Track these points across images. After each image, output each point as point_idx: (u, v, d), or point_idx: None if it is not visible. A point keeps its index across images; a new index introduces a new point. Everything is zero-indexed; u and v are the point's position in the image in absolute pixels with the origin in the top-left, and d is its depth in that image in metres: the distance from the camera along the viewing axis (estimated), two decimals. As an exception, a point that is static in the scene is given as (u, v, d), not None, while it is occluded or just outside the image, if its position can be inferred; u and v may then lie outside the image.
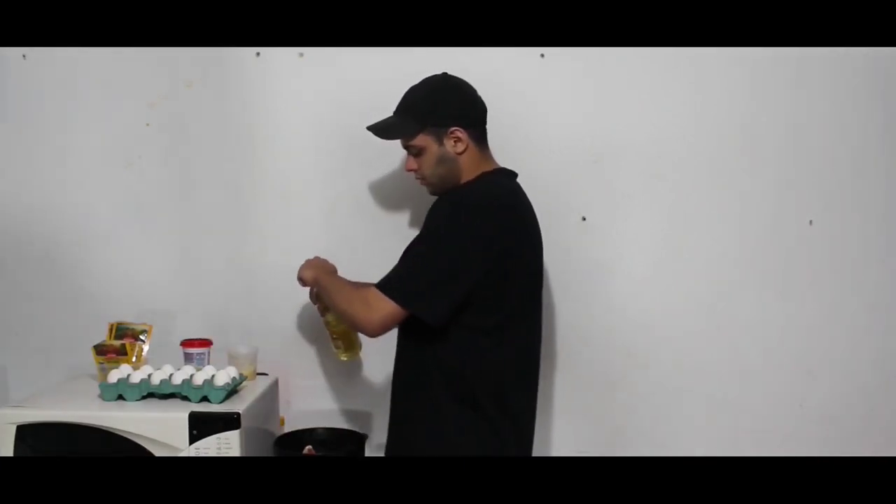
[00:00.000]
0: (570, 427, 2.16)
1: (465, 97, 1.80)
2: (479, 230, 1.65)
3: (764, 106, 2.12)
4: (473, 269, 1.64)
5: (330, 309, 1.89)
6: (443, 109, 1.76)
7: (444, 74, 1.82)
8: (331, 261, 2.05)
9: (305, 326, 2.15)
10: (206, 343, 1.97)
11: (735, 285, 2.15)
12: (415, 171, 1.81)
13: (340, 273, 1.94)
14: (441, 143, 1.75)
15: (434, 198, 1.79)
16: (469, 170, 1.77)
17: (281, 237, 2.13)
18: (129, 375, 1.76)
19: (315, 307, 1.98)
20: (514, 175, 1.83)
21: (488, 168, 1.80)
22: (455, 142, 1.75)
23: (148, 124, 2.12)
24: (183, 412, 1.66)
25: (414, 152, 1.78)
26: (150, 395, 1.76)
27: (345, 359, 2.01)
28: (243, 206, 2.14)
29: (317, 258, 1.96)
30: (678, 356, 2.15)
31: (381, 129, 1.80)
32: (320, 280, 1.87)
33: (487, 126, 1.84)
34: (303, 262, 1.94)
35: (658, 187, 2.12)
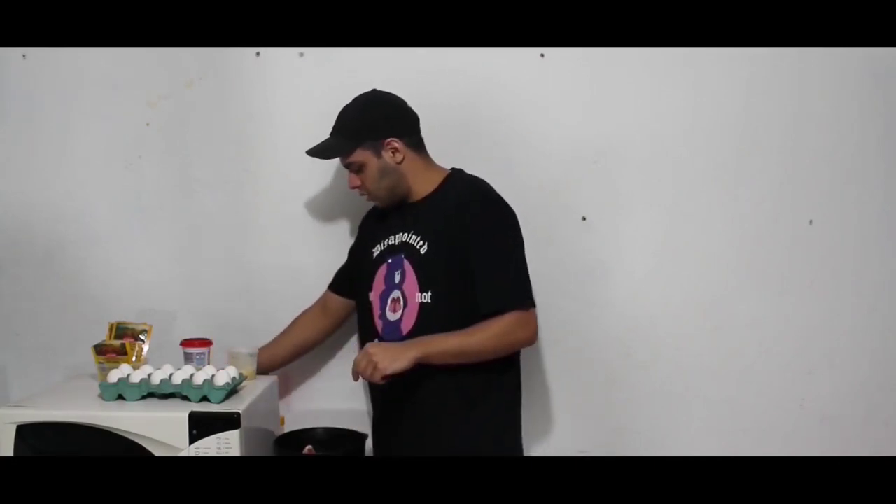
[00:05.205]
0: (570, 427, 2.16)
1: (396, 108, 1.83)
2: (515, 218, 1.79)
3: (764, 106, 2.12)
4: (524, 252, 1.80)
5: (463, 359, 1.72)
6: (375, 122, 1.80)
7: (374, 90, 1.86)
8: (331, 261, 2.06)
9: (305, 326, 2.15)
10: (206, 343, 1.97)
11: (735, 285, 2.14)
12: (358, 187, 1.85)
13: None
14: (379, 155, 1.79)
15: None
16: (416, 177, 1.82)
17: (281, 237, 2.13)
18: (129, 375, 1.76)
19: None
20: None
21: (443, 170, 1.86)
22: (393, 152, 1.79)
23: (148, 124, 2.12)
24: (183, 412, 1.66)
25: (355, 169, 1.83)
26: (150, 394, 1.75)
27: None
28: (243, 206, 2.14)
29: (377, 346, 1.71)
30: (678, 356, 2.15)
31: (319, 151, 1.85)
32: (428, 353, 1.67)
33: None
34: (363, 356, 1.68)
35: (658, 187, 2.12)
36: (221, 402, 1.71)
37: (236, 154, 2.13)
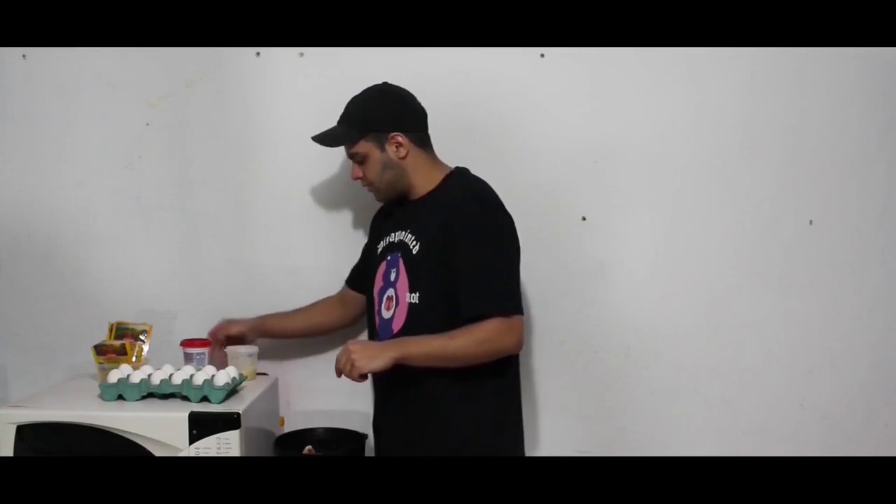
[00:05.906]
0: (570, 427, 2.15)
1: (404, 103, 1.83)
2: (511, 224, 1.75)
3: (764, 106, 2.12)
4: (518, 259, 1.78)
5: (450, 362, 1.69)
6: (382, 115, 1.80)
7: (385, 83, 1.85)
8: (331, 261, 2.06)
9: (305, 326, 2.15)
10: (206, 343, 1.97)
11: (735, 285, 2.14)
12: (360, 178, 1.84)
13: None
14: (383, 148, 1.79)
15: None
16: (418, 174, 1.81)
17: (281, 237, 2.13)
18: (129, 375, 1.76)
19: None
20: None
21: (446, 169, 1.84)
22: (397, 147, 1.78)
23: (148, 124, 2.11)
24: (183, 412, 1.66)
25: (358, 160, 1.82)
26: (150, 395, 1.76)
27: None
28: (243, 206, 2.14)
29: (357, 344, 1.68)
30: (678, 356, 2.15)
31: (324, 138, 1.84)
32: (407, 355, 1.64)
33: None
34: (343, 353, 1.65)
35: (658, 187, 2.12)
36: (221, 402, 1.71)
37: (236, 154, 2.13)
